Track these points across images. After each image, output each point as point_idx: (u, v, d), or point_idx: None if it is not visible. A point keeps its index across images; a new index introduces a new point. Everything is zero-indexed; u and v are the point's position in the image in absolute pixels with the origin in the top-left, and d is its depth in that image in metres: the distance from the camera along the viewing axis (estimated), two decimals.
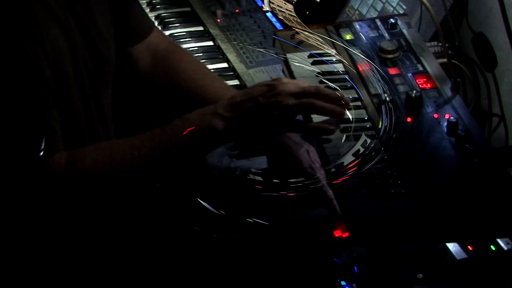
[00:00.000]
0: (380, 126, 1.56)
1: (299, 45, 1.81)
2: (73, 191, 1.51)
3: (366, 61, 1.71)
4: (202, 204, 1.49)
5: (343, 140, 1.56)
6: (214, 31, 2.24)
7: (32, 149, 1.47)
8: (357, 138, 1.56)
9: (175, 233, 1.69)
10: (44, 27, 1.49)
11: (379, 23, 1.85)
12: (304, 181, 1.50)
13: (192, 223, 1.54)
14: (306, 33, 1.79)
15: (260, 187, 1.50)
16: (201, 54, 2.17)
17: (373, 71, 1.69)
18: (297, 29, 1.81)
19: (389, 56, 1.75)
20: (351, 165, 1.49)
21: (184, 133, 1.50)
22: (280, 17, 1.89)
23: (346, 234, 1.44)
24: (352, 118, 1.59)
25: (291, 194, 1.49)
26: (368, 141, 1.53)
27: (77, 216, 1.59)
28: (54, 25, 1.53)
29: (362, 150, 1.52)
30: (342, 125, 1.58)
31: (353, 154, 1.52)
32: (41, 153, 1.47)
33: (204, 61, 2.14)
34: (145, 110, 2.00)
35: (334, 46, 1.78)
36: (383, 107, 1.59)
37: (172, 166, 1.53)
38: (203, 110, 1.53)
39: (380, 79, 1.66)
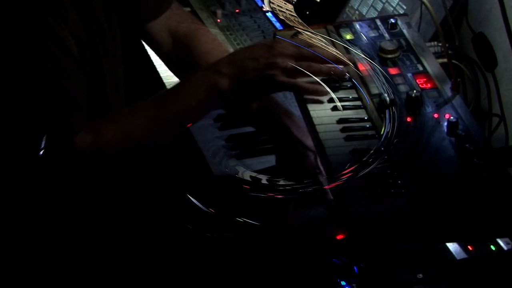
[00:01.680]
0: (382, 132, 1.56)
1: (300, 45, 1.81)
2: (99, 165, 1.55)
3: (369, 62, 1.71)
4: (192, 201, 1.50)
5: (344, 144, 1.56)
6: (214, 31, 2.24)
7: (57, 127, 1.50)
8: (357, 139, 1.56)
9: (169, 231, 1.68)
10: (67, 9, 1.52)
11: (379, 23, 1.85)
12: (293, 185, 1.50)
13: (184, 221, 1.54)
14: (307, 33, 1.79)
15: (248, 187, 1.51)
16: None
17: (377, 73, 1.68)
18: (298, 29, 1.81)
19: (389, 56, 1.75)
20: (345, 171, 1.49)
21: (189, 92, 1.55)
22: (281, 17, 1.89)
23: (345, 235, 1.44)
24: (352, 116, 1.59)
25: (279, 197, 1.49)
26: (368, 148, 1.53)
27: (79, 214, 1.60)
28: (74, 10, 1.54)
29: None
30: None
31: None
32: (67, 131, 1.50)
33: None
34: None
35: (334, 46, 1.78)
36: (387, 112, 1.59)
37: (183, 125, 1.60)
38: (205, 68, 1.58)
39: (385, 82, 1.65)
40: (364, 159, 1.50)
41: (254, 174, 1.58)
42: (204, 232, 1.51)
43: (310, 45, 1.62)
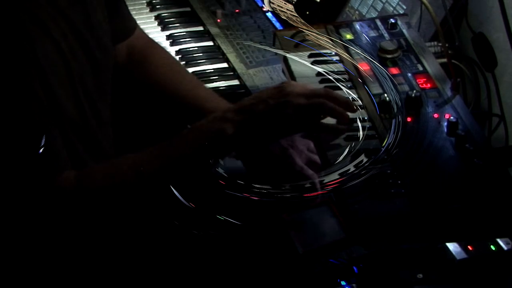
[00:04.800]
0: (384, 144, 1.54)
1: (300, 45, 1.81)
2: (83, 207, 1.50)
3: (377, 66, 1.70)
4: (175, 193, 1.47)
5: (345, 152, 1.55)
6: (214, 31, 2.24)
7: (37, 174, 1.46)
8: (357, 139, 1.56)
9: (156, 226, 1.65)
10: (39, 48, 1.47)
11: (379, 23, 1.86)
12: (269, 189, 1.47)
13: (172, 216, 1.52)
14: (309, 32, 1.79)
15: (224, 183, 1.48)
16: (201, 54, 2.17)
17: (384, 77, 1.67)
18: (301, 29, 1.81)
19: (389, 56, 1.75)
20: (331, 182, 1.48)
21: (194, 141, 1.49)
22: (283, 17, 1.89)
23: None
24: (364, 131, 1.57)
25: (255, 198, 1.46)
26: (364, 160, 1.51)
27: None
28: (48, 42, 1.51)
29: (352, 169, 1.49)
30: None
31: (340, 173, 1.49)
32: (47, 176, 1.46)
33: (204, 61, 2.14)
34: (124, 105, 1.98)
35: (336, 45, 1.78)
36: (393, 121, 1.57)
37: (183, 175, 1.51)
38: (211, 116, 1.51)
39: (393, 88, 1.64)
40: (356, 171, 1.48)
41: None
42: (191, 229, 1.49)
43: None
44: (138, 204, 1.53)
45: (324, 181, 1.49)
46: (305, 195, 1.47)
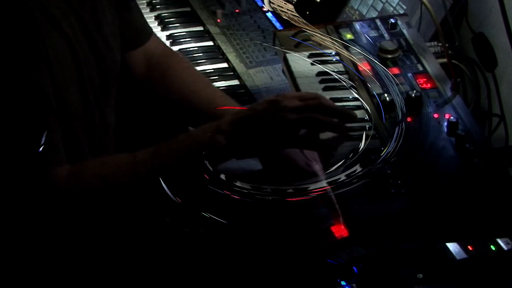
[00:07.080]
0: (383, 153, 1.51)
1: (300, 45, 1.81)
2: (74, 202, 1.51)
3: (383, 69, 1.70)
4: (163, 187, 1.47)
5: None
6: (214, 31, 2.24)
7: (33, 164, 1.48)
8: (357, 139, 1.56)
9: (146, 223, 1.65)
10: (48, 40, 1.49)
11: (379, 23, 1.86)
12: (249, 190, 1.46)
13: (158, 210, 1.51)
14: (311, 32, 1.79)
15: (208, 177, 1.47)
16: (201, 54, 2.17)
17: (391, 81, 1.66)
18: (303, 29, 1.80)
19: (389, 56, 1.75)
20: (316, 189, 1.47)
21: (188, 148, 1.50)
22: (284, 17, 1.89)
23: (345, 233, 1.43)
24: (367, 133, 1.56)
25: (236, 197, 1.45)
26: (357, 170, 1.48)
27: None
28: (58, 35, 1.52)
29: (343, 178, 1.48)
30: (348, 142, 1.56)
31: (329, 182, 1.48)
32: (42, 168, 1.47)
33: (204, 61, 2.14)
34: (140, 114, 1.98)
35: (337, 45, 1.78)
36: (396, 129, 1.56)
37: (174, 178, 1.51)
38: (207, 126, 1.53)
39: (399, 93, 1.63)
40: (347, 180, 1.47)
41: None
42: (182, 227, 1.49)
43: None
44: (128, 200, 1.54)
45: (310, 188, 1.48)
46: (287, 199, 1.47)
